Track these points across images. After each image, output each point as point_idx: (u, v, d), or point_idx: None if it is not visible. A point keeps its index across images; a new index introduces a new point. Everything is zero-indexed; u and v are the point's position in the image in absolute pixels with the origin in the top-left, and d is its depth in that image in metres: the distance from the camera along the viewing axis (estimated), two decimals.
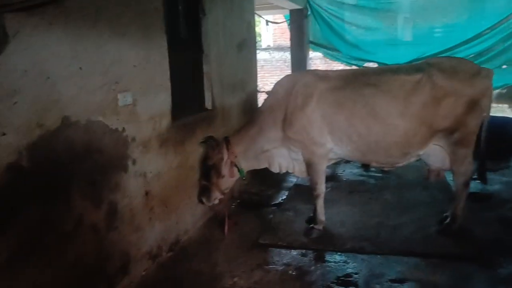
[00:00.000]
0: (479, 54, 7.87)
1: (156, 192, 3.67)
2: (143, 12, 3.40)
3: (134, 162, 3.34)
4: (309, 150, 4.04)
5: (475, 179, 4.24)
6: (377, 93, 3.80)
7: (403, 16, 8.61)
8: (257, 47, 7.18)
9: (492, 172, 5.41)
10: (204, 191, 4.23)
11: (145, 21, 3.42)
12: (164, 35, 3.70)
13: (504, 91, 8.35)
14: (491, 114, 4.03)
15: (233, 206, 5.01)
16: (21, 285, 2.35)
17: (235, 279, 3.42)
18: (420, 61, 4.33)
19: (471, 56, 7.69)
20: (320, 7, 8.77)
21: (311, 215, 4.36)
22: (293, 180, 5.88)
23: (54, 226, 2.58)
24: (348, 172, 6.26)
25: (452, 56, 7.40)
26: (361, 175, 6.12)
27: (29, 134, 2.37)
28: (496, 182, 5.33)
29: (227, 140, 4.17)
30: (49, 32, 2.48)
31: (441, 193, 5.05)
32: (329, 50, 9.16)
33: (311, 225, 4.21)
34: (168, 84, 3.80)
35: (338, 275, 3.42)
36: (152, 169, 3.59)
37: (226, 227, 4.27)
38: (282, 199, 5.27)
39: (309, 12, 8.77)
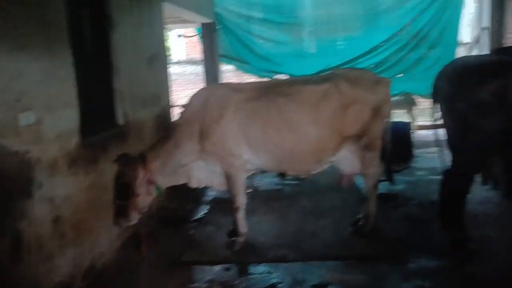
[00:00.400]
0: (377, 64, 8.53)
1: (67, 217, 3.42)
2: (46, 25, 3.18)
3: (40, 186, 3.07)
4: (227, 162, 4.03)
5: (382, 180, 4.54)
6: (290, 102, 3.93)
7: (308, 30, 9.03)
8: (169, 61, 7.05)
9: (395, 173, 5.84)
10: (120, 212, 3.99)
11: (48, 34, 3.19)
12: (69, 49, 3.48)
13: (401, 98, 9.10)
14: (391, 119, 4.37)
15: (151, 224, 4.82)
16: None
17: None
18: (327, 72, 4.57)
19: (370, 66, 8.29)
20: (229, 20, 8.89)
21: (232, 227, 4.35)
22: (212, 194, 5.83)
23: None
24: (264, 182, 6.36)
25: (354, 66, 7.94)
26: (278, 184, 6.25)
27: None
28: (400, 182, 5.75)
29: (142, 156, 4.02)
30: None
31: (352, 197, 5.32)
32: (240, 63, 9.31)
33: (233, 238, 4.19)
34: (76, 100, 3.58)
35: (262, 286, 3.44)
36: (61, 192, 3.33)
37: (144, 247, 4.09)
38: (202, 214, 5.20)
39: (219, 26, 8.84)
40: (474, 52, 8.46)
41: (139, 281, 3.62)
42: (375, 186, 4.22)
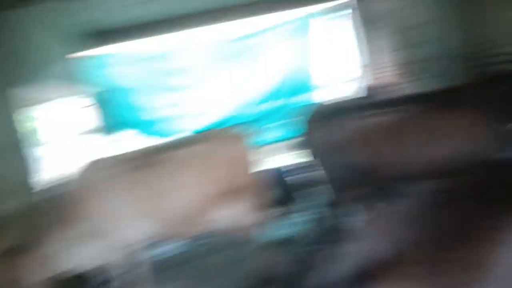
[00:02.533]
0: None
1: None
2: None
3: None
4: (107, 242, 3.85)
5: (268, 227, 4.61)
6: (156, 171, 3.94)
7: None
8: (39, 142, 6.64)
9: (277, 219, 5.92)
10: None
11: None
12: None
13: (287, 142, 9.32)
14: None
15: None
16: None
17: None
18: (197, 133, 4.72)
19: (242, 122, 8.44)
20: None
21: None
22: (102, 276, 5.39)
23: None
24: (157, 251, 6.06)
25: (224, 125, 8.13)
26: (170, 251, 5.99)
27: None
28: (288, 225, 5.82)
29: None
30: None
31: (249, 249, 5.25)
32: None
33: None
34: None
35: None
36: None
37: None
38: None
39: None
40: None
41: None
42: (259, 236, 4.30)
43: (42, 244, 3.80)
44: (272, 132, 8.70)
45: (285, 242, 5.22)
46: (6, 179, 4.81)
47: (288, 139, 8.97)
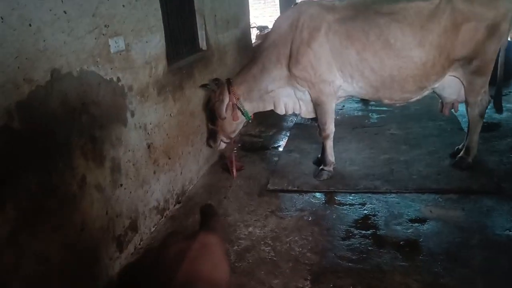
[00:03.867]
0: None
1: (158, 143, 3.44)
2: None
3: (132, 113, 3.06)
4: (317, 89, 3.77)
5: None
6: (392, 22, 3.48)
7: None
8: None
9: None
10: (211, 135, 4.06)
11: None
12: None
13: None
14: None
15: (235, 151, 4.79)
16: (28, 258, 2.17)
17: (250, 229, 3.29)
18: None
19: None
20: None
21: (319, 156, 4.20)
22: (293, 119, 5.67)
23: (56, 189, 2.36)
24: (348, 108, 6.06)
25: None
26: (362, 110, 5.93)
27: (17, 92, 2.07)
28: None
29: (228, 82, 3.89)
30: None
31: (449, 125, 4.91)
32: None
33: (321, 167, 4.05)
34: (161, 24, 3.44)
35: (355, 218, 3.31)
36: (152, 119, 3.33)
37: (234, 172, 4.12)
38: (284, 140, 5.08)
39: None
40: None
41: (228, 207, 3.64)
42: (481, 116, 3.79)
43: (244, 81, 3.92)
44: None
45: (491, 127, 4.67)
46: (225, 10, 4.95)
47: None
